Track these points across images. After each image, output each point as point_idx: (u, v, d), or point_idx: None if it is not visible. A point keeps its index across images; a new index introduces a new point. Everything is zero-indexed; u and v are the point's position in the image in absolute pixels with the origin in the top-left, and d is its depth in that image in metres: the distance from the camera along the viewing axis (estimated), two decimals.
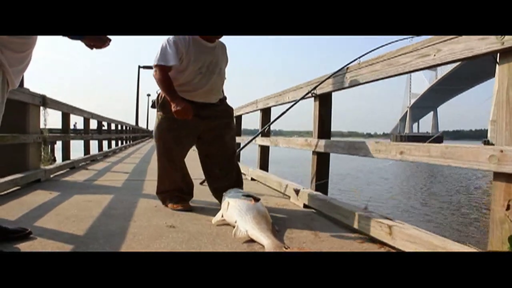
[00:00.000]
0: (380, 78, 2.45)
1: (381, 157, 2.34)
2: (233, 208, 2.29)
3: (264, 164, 5.17)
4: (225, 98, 2.92)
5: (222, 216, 2.37)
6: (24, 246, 1.83)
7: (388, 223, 1.96)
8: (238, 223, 2.14)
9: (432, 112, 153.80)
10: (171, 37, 2.55)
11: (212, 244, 1.96)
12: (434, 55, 1.92)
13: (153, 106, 2.80)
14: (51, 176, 4.73)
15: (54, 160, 14.66)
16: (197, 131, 2.76)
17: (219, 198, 2.72)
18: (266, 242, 1.89)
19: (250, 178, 4.72)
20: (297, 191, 3.14)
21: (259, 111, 5.29)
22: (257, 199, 2.45)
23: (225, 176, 2.85)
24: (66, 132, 6.96)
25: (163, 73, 2.55)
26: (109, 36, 2.05)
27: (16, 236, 1.94)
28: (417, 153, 2.00)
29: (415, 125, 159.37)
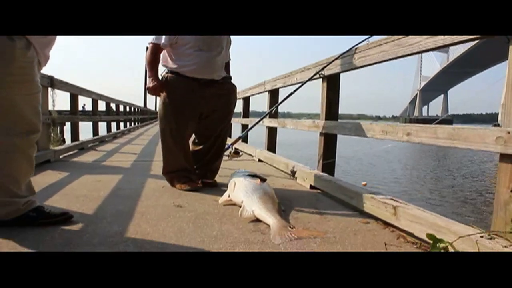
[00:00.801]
0: (388, 59, 2.42)
1: (388, 138, 2.34)
2: (239, 188, 2.32)
3: (271, 146, 5.19)
4: (230, 77, 2.93)
5: (229, 196, 2.40)
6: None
7: (393, 203, 1.97)
8: (244, 203, 2.16)
9: (442, 95, 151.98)
10: None
11: (218, 223, 1.99)
12: (444, 36, 1.90)
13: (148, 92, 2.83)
14: (61, 157, 4.80)
15: (64, 141, 14.80)
16: (200, 109, 2.78)
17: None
18: (272, 222, 1.91)
19: (257, 159, 4.74)
20: (303, 172, 3.15)
21: (267, 92, 5.28)
22: (263, 179, 2.47)
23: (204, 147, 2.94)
24: (74, 114, 7.03)
25: (152, 50, 2.67)
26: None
27: (61, 219, 1.95)
28: (423, 134, 1.99)
29: (424, 108, 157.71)
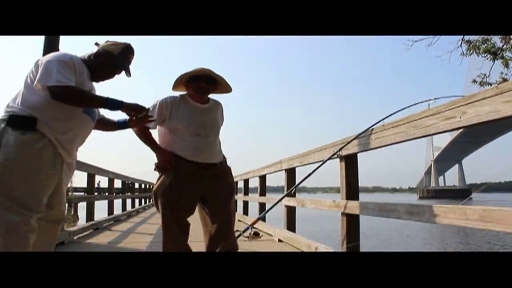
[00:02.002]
0: (406, 140, 2.47)
1: (414, 220, 2.30)
2: None
3: (290, 225, 5.09)
4: (225, 159, 2.85)
5: None
6: None
7: None
8: None
9: (457, 165, 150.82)
10: (158, 99, 2.64)
11: None
12: (460, 117, 1.95)
13: (155, 169, 2.74)
14: (75, 238, 4.74)
15: (77, 218, 14.79)
16: (201, 191, 2.67)
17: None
18: None
19: (277, 239, 4.64)
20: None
21: (283, 171, 5.31)
22: None
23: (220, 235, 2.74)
24: (91, 193, 7.12)
25: (140, 129, 2.61)
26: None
27: None
28: (452, 216, 1.96)
29: (440, 178, 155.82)
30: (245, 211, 8.80)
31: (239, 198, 9.52)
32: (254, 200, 7.64)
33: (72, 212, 6.16)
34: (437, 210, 2.07)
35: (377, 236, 13.18)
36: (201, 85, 2.59)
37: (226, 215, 2.76)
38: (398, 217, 2.46)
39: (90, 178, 7.02)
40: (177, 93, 2.71)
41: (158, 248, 4.15)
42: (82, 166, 5.99)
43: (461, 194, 74.37)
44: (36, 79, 1.96)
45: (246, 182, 8.71)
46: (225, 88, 2.74)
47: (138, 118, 2.27)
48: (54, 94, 1.94)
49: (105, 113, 2.41)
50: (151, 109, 2.55)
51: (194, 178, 2.60)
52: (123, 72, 2.27)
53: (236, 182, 9.86)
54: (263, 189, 7.08)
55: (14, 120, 1.95)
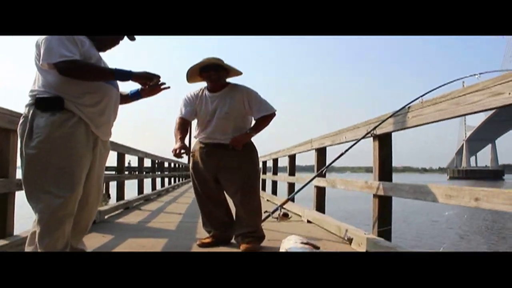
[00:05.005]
0: (447, 118, 2.33)
1: (452, 203, 2.18)
2: None
3: (320, 206, 5.01)
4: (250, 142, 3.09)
5: None
6: None
7: None
8: None
9: (490, 145, 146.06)
10: (183, 96, 3.11)
11: None
12: (510, 94, 1.80)
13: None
14: (106, 217, 4.82)
15: (109, 197, 15.12)
16: (216, 168, 3.00)
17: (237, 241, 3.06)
18: None
19: (306, 221, 4.59)
20: (358, 237, 3.00)
21: (313, 150, 5.21)
22: (316, 247, 2.35)
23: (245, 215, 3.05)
24: (121, 172, 7.25)
25: (180, 121, 3.03)
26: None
27: None
28: (496, 200, 1.83)
29: (472, 159, 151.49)
30: (274, 191, 8.77)
31: (268, 177, 9.50)
32: (282, 180, 7.58)
33: (104, 191, 6.29)
34: (478, 194, 1.95)
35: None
36: (211, 74, 2.90)
37: (240, 197, 3.02)
38: (434, 200, 2.34)
39: (120, 158, 7.08)
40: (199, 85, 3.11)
41: (186, 226, 4.22)
42: (113, 145, 6.04)
43: (493, 175, 72.23)
44: (41, 58, 1.92)
45: (275, 161, 8.63)
46: (235, 73, 3.02)
47: (150, 87, 2.22)
48: (61, 70, 1.91)
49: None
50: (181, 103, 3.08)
51: (208, 159, 2.99)
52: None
53: (265, 162, 9.83)
54: (292, 169, 7.01)
55: (41, 102, 1.94)
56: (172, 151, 2.87)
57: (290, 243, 2.37)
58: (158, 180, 12.10)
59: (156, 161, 11.74)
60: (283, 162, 7.87)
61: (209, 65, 2.89)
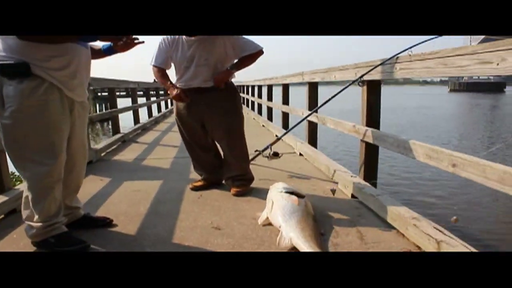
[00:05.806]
0: (432, 76, 2.30)
1: (431, 164, 2.23)
2: (277, 209, 2.30)
3: (312, 140, 5.11)
4: (230, 82, 3.04)
5: (267, 216, 2.39)
6: None
7: (437, 237, 1.89)
8: (282, 228, 2.13)
9: None
10: (160, 38, 2.95)
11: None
12: (497, 64, 1.74)
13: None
14: (102, 155, 4.91)
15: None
16: (198, 114, 3.00)
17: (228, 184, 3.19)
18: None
19: (298, 153, 4.71)
20: (344, 180, 3.10)
21: (306, 84, 5.18)
22: (301, 196, 2.43)
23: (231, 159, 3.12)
24: (113, 107, 6.93)
25: (154, 69, 2.97)
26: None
27: (102, 224, 2.40)
28: (471, 169, 1.87)
29: None
30: (269, 117, 8.90)
31: (264, 102, 9.52)
32: (277, 108, 7.59)
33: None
34: (456, 160, 1.99)
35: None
36: None
37: (226, 142, 3.08)
38: (414, 158, 2.39)
39: (111, 92, 6.95)
40: None
41: (180, 163, 4.33)
42: (101, 82, 5.95)
43: (495, 87, 71.51)
44: None
45: (270, 88, 8.59)
46: None
47: (124, 43, 2.14)
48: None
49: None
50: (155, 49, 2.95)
51: (191, 105, 2.97)
52: None
53: (260, 86, 9.77)
54: (286, 98, 7.02)
55: (5, 69, 1.82)
56: (174, 98, 2.92)
57: (277, 192, 2.48)
58: (154, 106, 12.07)
59: (149, 89, 11.64)
60: (278, 94, 7.84)
61: None
